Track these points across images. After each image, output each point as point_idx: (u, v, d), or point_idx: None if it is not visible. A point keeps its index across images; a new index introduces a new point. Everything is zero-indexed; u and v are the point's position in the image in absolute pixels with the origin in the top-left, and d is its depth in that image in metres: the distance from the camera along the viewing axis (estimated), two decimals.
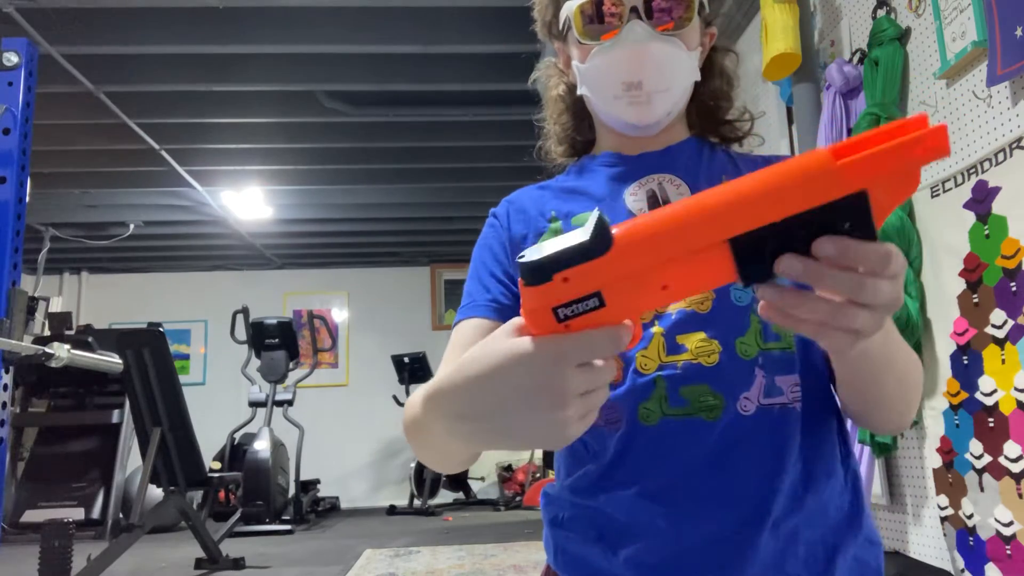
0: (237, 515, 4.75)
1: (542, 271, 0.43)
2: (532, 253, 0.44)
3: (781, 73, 2.34)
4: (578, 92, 0.84)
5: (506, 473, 6.54)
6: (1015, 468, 1.58)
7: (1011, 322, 1.59)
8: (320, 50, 3.47)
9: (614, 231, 0.44)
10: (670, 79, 0.77)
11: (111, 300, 7.13)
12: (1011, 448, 1.59)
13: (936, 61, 1.85)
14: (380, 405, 6.68)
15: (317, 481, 6.21)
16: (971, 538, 1.71)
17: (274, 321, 5.82)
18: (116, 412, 5.07)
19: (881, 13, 2.04)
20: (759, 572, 0.67)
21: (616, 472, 0.72)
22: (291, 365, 5.82)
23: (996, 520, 1.63)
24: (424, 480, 6.03)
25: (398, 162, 4.85)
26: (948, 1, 1.78)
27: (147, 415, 3.48)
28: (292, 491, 5.64)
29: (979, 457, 1.69)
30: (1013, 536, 1.59)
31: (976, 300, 1.70)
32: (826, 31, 2.41)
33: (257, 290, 7.11)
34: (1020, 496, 1.57)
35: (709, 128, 0.88)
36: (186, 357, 7.12)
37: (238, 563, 3.56)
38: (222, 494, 5.77)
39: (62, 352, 2.17)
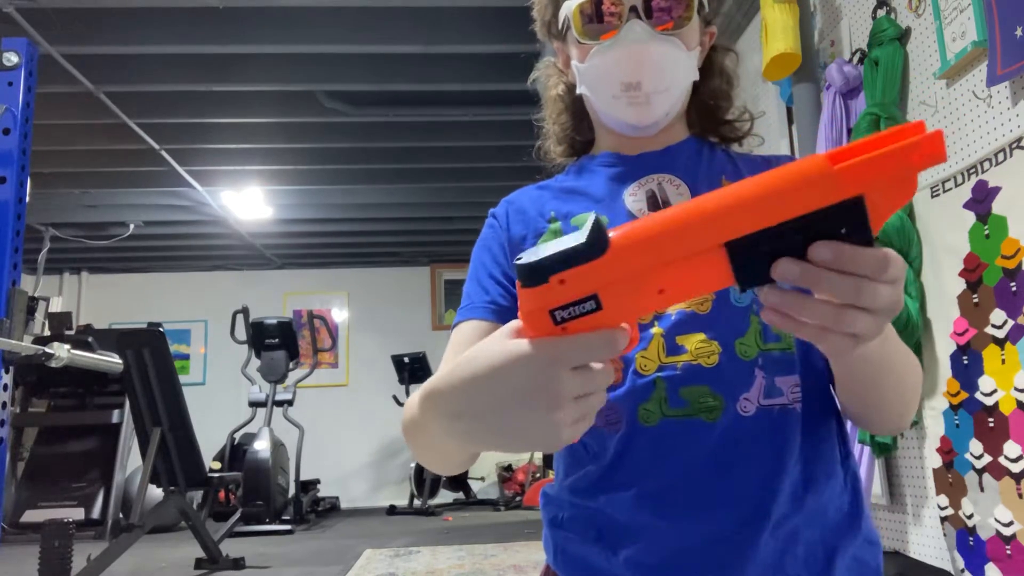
0: (237, 515, 4.75)
1: (538, 273, 0.44)
2: (529, 255, 0.44)
3: (781, 73, 2.34)
4: (577, 92, 0.83)
5: (506, 473, 6.54)
6: (1015, 468, 1.58)
7: (1011, 322, 1.59)
8: (320, 50, 3.47)
9: (611, 234, 0.44)
10: (669, 79, 0.77)
11: (111, 300, 7.13)
12: (1011, 448, 1.59)
13: (936, 61, 1.85)
14: (380, 405, 6.68)
15: (317, 481, 6.21)
16: (971, 538, 1.71)
17: (274, 321, 5.82)
18: (116, 412, 5.06)
19: (881, 13, 2.04)
20: (758, 572, 0.67)
21: (616, 473, 0.72)
22: (291, 365, 5.82)
23: (996, 520, 1.63)
24: (424, 480, 6.03)
25: (398, 162, 4.85)
26: (948, 1, 1.78)
27: (147, 415, 3.48)
28: (292, 491, 5.64)
29: (979, 457, 1.69)
30: (1013, 536, 1.59)
31: (976, 300, 1.70)
32: (826, 31, 2.41)
33: (257, 290, 7.11)
34: (1020, 496, 1.57)
35: (709, 128, 0.87)
36: (186, 357, 7.12)
37: (238, 563, 3.56)
38: (222, 494, 5.77)
39: (62, 352, 2.17)
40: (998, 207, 1.63)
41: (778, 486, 0.69)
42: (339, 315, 7.40)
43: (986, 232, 1.67)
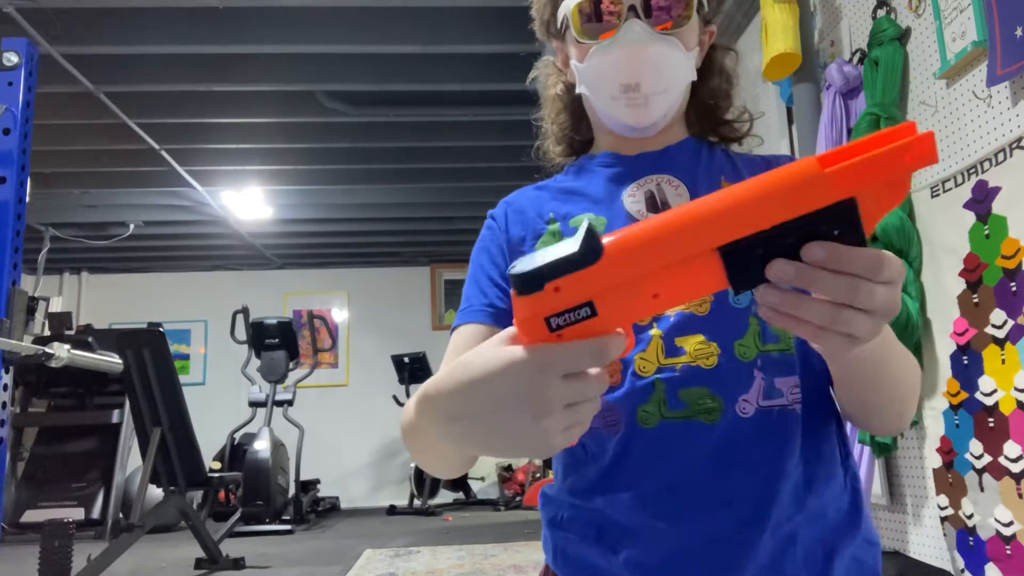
0: (237, 515, 4.75)
1: (533, 282, 0.44)
2: (522, 264, 0.44)
3: (781, 73, 2.34)
4: (576, 91, 0.83)
5: (506, 473, 6.54)
6: (1015, 468, 1.58)
7: (1011, 322, 1.59)
8: (320, 50, 3.47)
9: (604, 240, 0.44)
10: (668, 80, 0.77)
11: (111, 300, 7.13)
12: (1011, 448, 1.59)
13: (936, 61, 1.85)
14: (380, 405, 6.68)
15: (317, 481, 6.21)
16: (971, 538, 1.71)
17: (274, 321, 5.82)
18: (116, 412, 5.06)
19: (881, 13, 2.04)
20: (758, 573, 0.67)
21: (615, 474, 0.72)
22: (291, 365, 5.82)
23: (996, 520, 1.63)
24: (424, 480, 6.03)
25: (398, 162, 4.85)
26: (948, 1, 1.78)
27: (147, 415, 3.48)
28: (292, 491, 5.64)
29: (979, 457, 1.69)
30: (1013, 536, 1.59)
31: (976, 300, 1.70)
32: (826, 31, 2.41)
33: (257, 290, 7.11)
34: (1020, 496, 1.57)
35: (708, 128, 0.87)
36: (186, 357, 7.12)
37: (238, 563, 3.56)
38: (222, 494, 5.77)
39: (62, 352, 2.17)
40: (998, 207, 1.63)
41: (778, 487, 0.69)
42: (339, 315, 7.40)
43: (986, 232, 1.67)
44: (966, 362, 1.74)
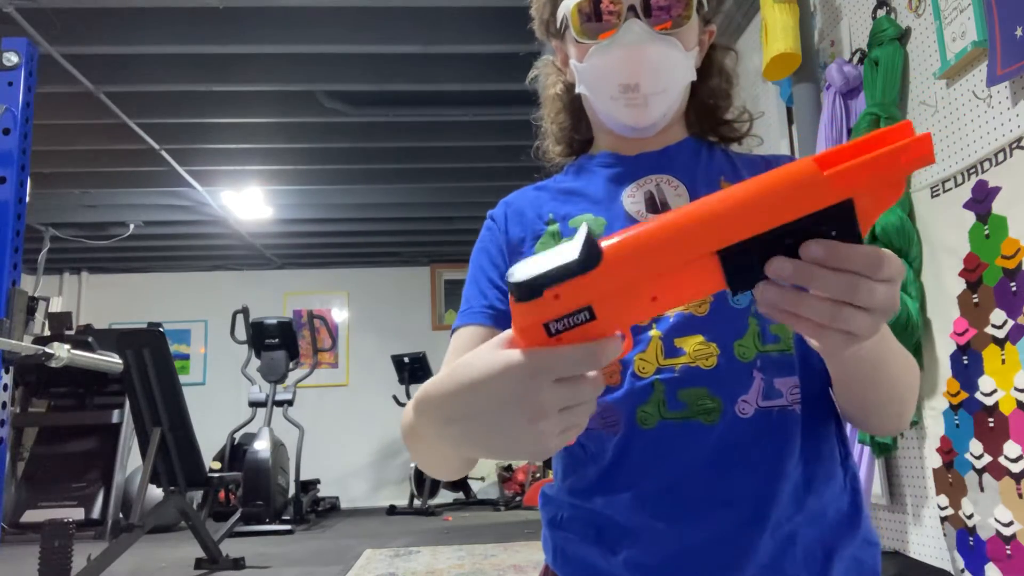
0: (237, 515, 4.75)
1: (532, 289, 0.44)
2: (521, 271, 0.44)
3: (781, 73, 2.34)
4: (576, 91, 0.83)
5: (506, 473, 6.54)
6: (1015, 468, 1.58)
7: (1011, 322, 1.59)
8: (320, 50, 3.47)
9: (603, 244, 0.44)
10: (667, 81, 0.77)
11: (111, 300, 7.13)
12: (1011, 448, 1.59)
13: (936, 61, 1.85)
14: (380, 405, 6.68)
15: (317, 481, 6.21)
16: (971, 538, 1.71)
17: (274, 321, 5.82)
18: (116, 412, 5.06)
19: (881, 13, 2.04)
20: (757, 573, 0.67)
21: (614, 475, 0.72)
22: (291, 365, 5.82)
23: (996, 520, 1.63)
24: (424, 480, 6.03)
25: (398, 162, 4.84)
26: (948, 1, 1.78)
27: (147, 415, 3.48)
28: (292, 491, 5.64)
29: (979, 457, 1.69)
30: (1013, 536, 1.59)
31: (976, 300, 1.70)
32: (826, 31, 2.41)
33: (257, 290, 7.11)
34: (1020, 496, 1.57)
35: (708, 127, 0.87)
36: (186, 357, 7.12)
37: (238, 563, 3.56)
38: (222, 494, 5.77)
39: (62, 352, 2.17)
40: (998, 207, 1.63)
41: (777, 487, 0.69)
42: (339, 315, 7.40)
43: (986, 232, 1.67)
44: (966, 362, 1.74)
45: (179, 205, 5.51)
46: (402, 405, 6.36)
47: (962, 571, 1.74)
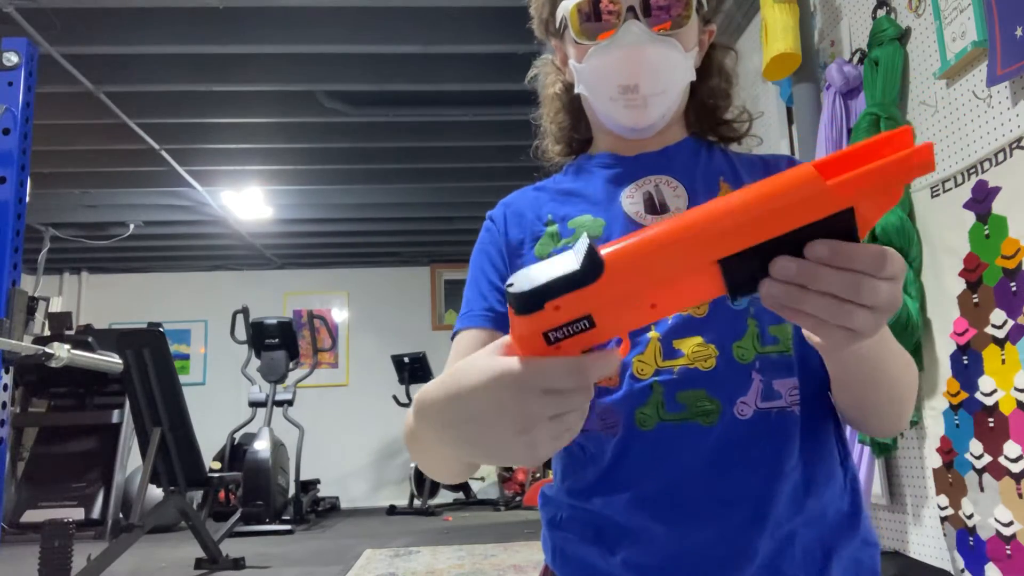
0: (237, 515, 4.75)
1: (533, 301, 0.44)
2: (520, 281, 0.44)
3: (781, 73, 2.34)
4: (575, 91, 0.83)
5: (506, 473, 6.53)
6: (1015, 468, 1.58)
7: (1011, 322, 1.59)
8: (320, 50, 3.47)
9: (603, 253, 0.44)
10: (666, 82, 0.77)
11: (111, 300, 7.13)
12: (1011, 448, 1.59)
13: (936, 61, 1.85)
14: (380, 405, 6.68)
15: (317, 481, 6.20)
16: (971, 538, 1.71)
17: (274, 321, 5.82)
18: (116, 412, 5.06)
19: (881, 13, 2.04)
20: (756, 573, 0.67)
21: (613, 476, 0.72)
22: (291, 365, 5.82)
23: (996, 520, 1.63)
24: (424, 480, 6.02)
25: (398, 162, 4.84)
26: (948, 1, 1.78)
27: (147, 415, 3.48)
28: (292, 491, 5.64)
29: (979, 457, 1.69)
30: (1013, 536, 1.59)
31: (976, 300, 1.70)
32: (826, 31, 2.41)
33: (257, 290, 7.11)
34: (1020, 496, 1.57)
35: (707, 127, 0.87)
36: (186, 357, 7.12)
37: (238, 563, 3.56)
38: (222, 494, 5.77)
39: (62, 352, 2.17)
40: (998, 207, 1.63)
41: (776, 488, 0.69)
42: (339, 315, 7.40)
43: (986, 232, 1.67)
44: (966, 362, 1.74)
45: (179, 205, 5.50)
46: (402, 405, 6.36)
47: (962, 571, 1.74)
